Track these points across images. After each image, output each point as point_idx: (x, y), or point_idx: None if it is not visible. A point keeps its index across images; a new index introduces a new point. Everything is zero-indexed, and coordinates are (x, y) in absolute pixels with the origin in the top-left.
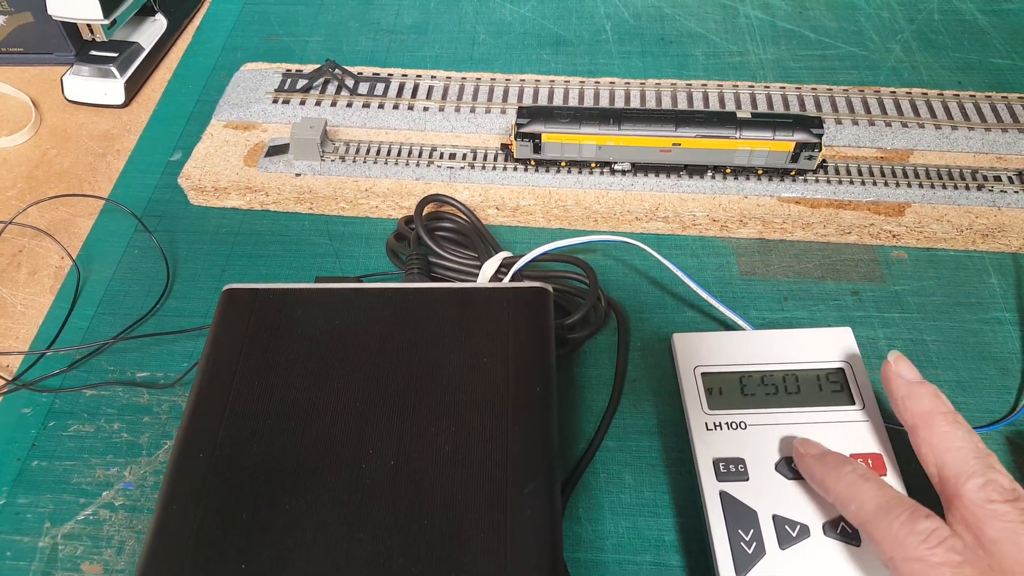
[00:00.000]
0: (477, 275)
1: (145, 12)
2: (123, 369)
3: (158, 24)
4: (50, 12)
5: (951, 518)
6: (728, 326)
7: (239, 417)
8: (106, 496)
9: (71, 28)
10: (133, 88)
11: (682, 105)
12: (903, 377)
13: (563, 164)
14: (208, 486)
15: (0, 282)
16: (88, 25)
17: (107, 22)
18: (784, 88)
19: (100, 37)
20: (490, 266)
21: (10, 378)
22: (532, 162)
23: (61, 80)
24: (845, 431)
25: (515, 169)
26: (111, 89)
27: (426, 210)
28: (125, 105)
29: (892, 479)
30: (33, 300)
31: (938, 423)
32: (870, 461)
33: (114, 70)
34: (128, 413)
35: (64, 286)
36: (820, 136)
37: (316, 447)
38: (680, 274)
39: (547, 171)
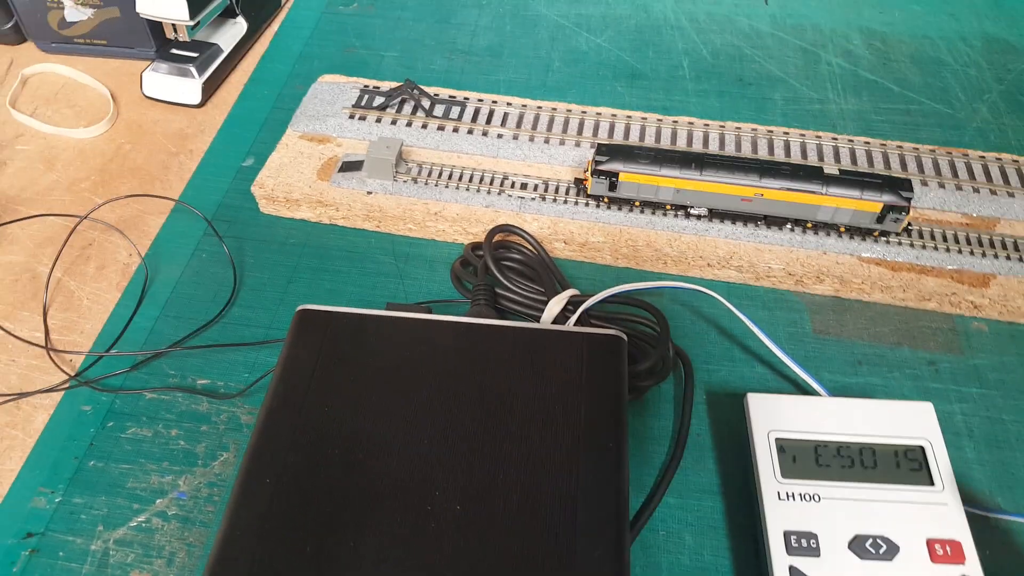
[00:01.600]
0: (543, 309)
1: (227, 14)
2: (184, 375)
3: (238, 27)
4: (138, 10)
5: None
6: (800, 387)
7: (308, 444)
8: (160, 504)
9: (155, 25)
10: (210, 89)
11: (762, 152)
12: None
13: (636, 204)
14: (273, 514)
15: (69, 274)
16: (172, 24)
17: (192, 23)
18: (869, 143)
19: (183, 36)
20: (556, 304)
21: (73, 374)
22: (605, 199)
23: (140, 75)
24: (923, 513)
25: (586, 204)
26: (188, 88)
27: (495, 239)
28: (201, 105)
29: (972, 567)
30: (99, 296)
31: None
32: (949, 548)
33: (193, 70)
34: (187, 420)
35: (131, 284)
36: (909, 200)
37: (383, 482)
38: (753, 327)
39: (619, 209)
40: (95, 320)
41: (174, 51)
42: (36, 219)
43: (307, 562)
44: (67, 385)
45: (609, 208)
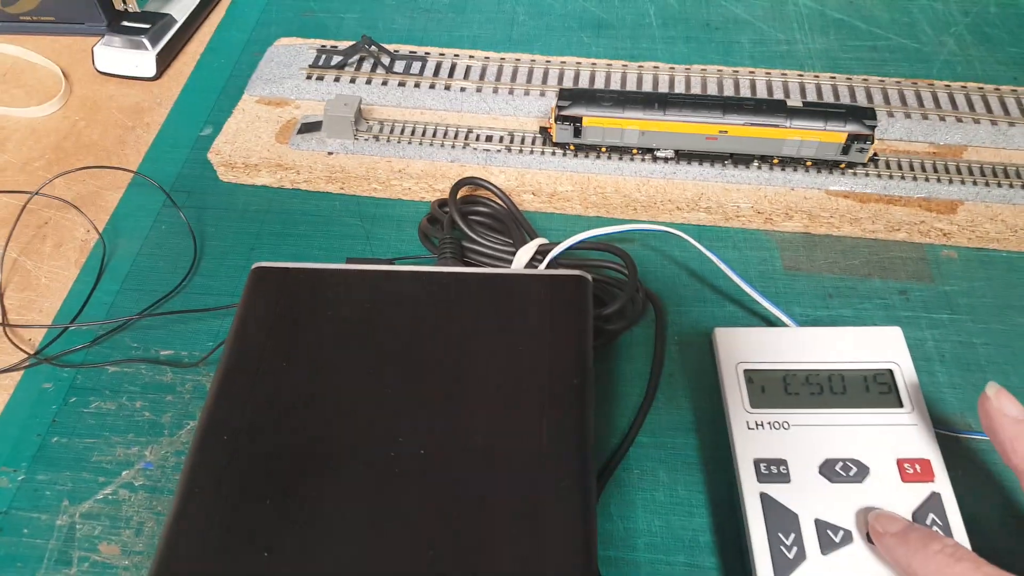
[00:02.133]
0: (511, 261)
1: None
2: (147, 346)
3: None
4: None
5: None
6: (771, 322)
7: (266, 400)
8: (126, 476)
9: None
10: (165, 61)
11: (728, 93)
12: (1009, 415)
13: (603, 150)
14: (232, 470)
15: (25, 254)
16: None
17: None
18: (835, 78)
19: (133, 8)
20: (525, 253)
21: (32, 352)
22: (571, 147)
23: (92, 51)
24: (893, 434)
25: (553, 154)
26: (142, 61)
27: (461, 193)
28: (156, 78)
29: (942, 484)
30: (58, 273)
31: None
32: (918, 466)
33: (146, 42)
34: (151, 391)
35: (89, 260)
36: (873, 128)
37: (344, 433)
38: (723, 266)
39: (586, 156)
40: (54, 298)
41: (126, 24)
42: None
43: (268, 514)
44: (27, 363)
45: (576, 156)
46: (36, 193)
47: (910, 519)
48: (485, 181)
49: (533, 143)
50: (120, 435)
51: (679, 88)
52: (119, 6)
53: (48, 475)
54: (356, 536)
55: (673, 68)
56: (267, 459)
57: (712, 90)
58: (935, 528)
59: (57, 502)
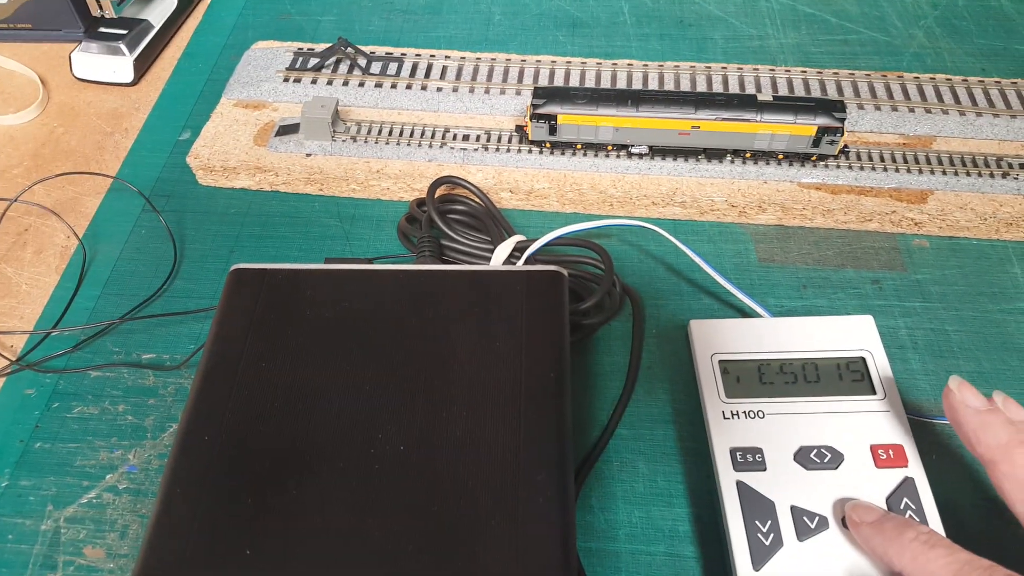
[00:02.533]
0: (490, 259)
1: None
2: (129, 351)
3: (169, 1)
4: None
5: None
6: (746, 314)
7: (246, 400)
8: (110, 479)
9: (80, 4)
10: (142, 66)
11: (701, 88)
12: (971, 406)
13: (579, 147)
14: (213, 470)
15: (5, 261)
16: (97, 1)
17: None
18: (805, 72)
19: (110, 13)
20: (503, 250)
21: (14, 358)
22: (547, 144)
23: (69, 57)
24: (866, 421)
25: (529, 152)
26: (120, 67)
27: (439, 192)
28: (134, 83)
29: (915, 469)
30: (38, 280)
31: (1019, 455)
32: (892, 452)
33: (123, 47)
34: (133, 395)
35: (70, 266)
36: (842, 120)
37: (324, 431)
38: (698, 260)
39: (562, 154)
40: (35, 304)
41: (103, 30)
42: None
43: (249, 512)
44: (9, 370)
45: (552, 153)
46: (15, 200)
47: (884, 504)
48: (463, 180)
49: (510, 141)
50: (103, 439)
51: (653, 85)
52: (96, 12)
53: (32, 480)
54: (337, 534)
55: (647, 65)
56: (248, 459)
57: (685, 86)
58: (909, 513)
59: (41, 507)
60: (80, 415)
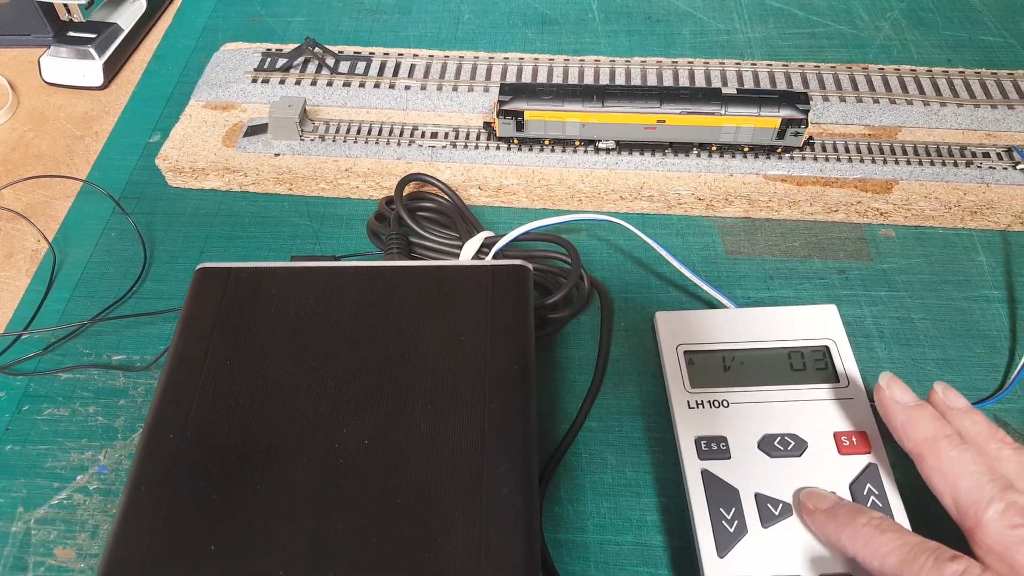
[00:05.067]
0: (459, 255)
1: None
2: (99, 352)
3: (138, 5)
4: None
5: (978, 550)
6: (713, 306)
7: (211, 397)
8: (80, 480)
9: (48, 9)
10: (112, 70)
11: (668, 83)
12: (900, 402)
13: (547, 143)
14: (178, 467)
15: None
16: (65, 5)
17: (84, 2)
18: (771, 65)
19: (78, 18)
20: (471, 246)
21: None
22: (515, 141)
23: (39, 62)
24: (830, 409)
25: (498, 148)
26: (89, 71)
27: (407, 190)
28: (104, 87)
29: (879, 455)
30: (8, 283)
31: (944, 449)
32: (855, 439)
33: (92, 51)
34: (104, 396)
35: (40, 269)
36: (806, 112)
37: (289, 428)
38: (664, 253)
39: (530, 150)
40: (5, 308)
41: (71, 34)
42: None
43: (214, 508)
44: None
45: (520, 149)
46: None
47: (848, 490)
48: (431, 177)
49: (478, 138)
50: (73, 440)
51: (620, 80)
52: (64, 16)
53: (2, 482)
54: (301, 528)
55: (614, 61)
56: (213, 456)
57: (652, 81)
58: (872, 498)
59: (12, 509)
60: (50, 417)
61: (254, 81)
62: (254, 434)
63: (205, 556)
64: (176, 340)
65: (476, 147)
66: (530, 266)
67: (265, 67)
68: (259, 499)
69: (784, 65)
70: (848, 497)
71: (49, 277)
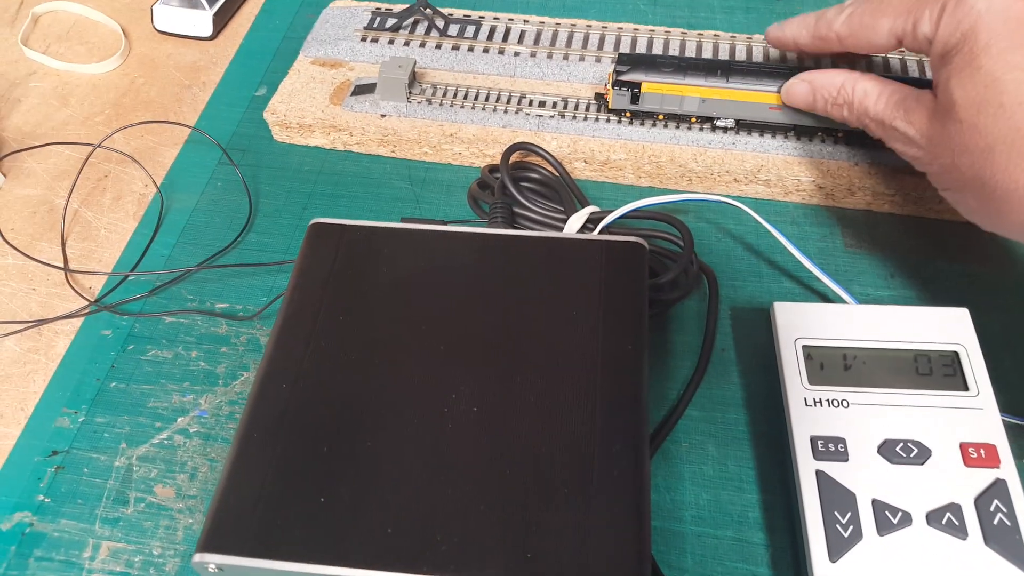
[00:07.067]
0: (562, 229)
1: None
2: (203, 299)
3: None
4: None
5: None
6: (829, 300)
7: (323, 351)
8: (181, 422)
9: None
10: (221, 21)
11: (792, 65)
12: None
13: (660, 117)
14: (290, 416)
15: (86, 205)
16: None
17: None
18: (903, 53)
19: None
20: (576, 220)
21: (92, 300)
22: (627, 114)
23: (151, 9)
24: (957, 417)
25: (607, 121)
26: (200, 21)
27: (512, 159)
28: (213, 38)
29: (1008, 471)
30: (116, 225)
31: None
32: (983, 451)
33: (203, 1)
34: (206, 342)
35: (147, 213)
36: None
37: (399, 388)
38: (784, 241)
39: (642, 124)
40: (113, 249)
41: None
42: (52, 152)
43: (324, 462)
44: (87, 311)
45: (631, 123)
46: (98, 146)
47: (973, 506)
48: (538, 147)
49: (587, 110)
50: (176, 383)
51: (740, 58)
52: None
53: (107, 418)
54: (410, 488)
55: (734, 37)
56: (324, 408)
57: (774, 60)
58: (999, 515)
59: (115, 444)
60: (154, 358)
61: (363, 40)
62: (364, 391)
63: (315, 508)
64: (290, 292)
65: (584, 119)
66: (646, 244)
67: (375, 26)
68: (368, 456)
69: None
70: (972, 513)
71: (156, 221)
